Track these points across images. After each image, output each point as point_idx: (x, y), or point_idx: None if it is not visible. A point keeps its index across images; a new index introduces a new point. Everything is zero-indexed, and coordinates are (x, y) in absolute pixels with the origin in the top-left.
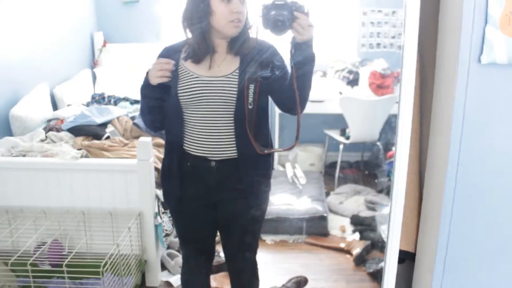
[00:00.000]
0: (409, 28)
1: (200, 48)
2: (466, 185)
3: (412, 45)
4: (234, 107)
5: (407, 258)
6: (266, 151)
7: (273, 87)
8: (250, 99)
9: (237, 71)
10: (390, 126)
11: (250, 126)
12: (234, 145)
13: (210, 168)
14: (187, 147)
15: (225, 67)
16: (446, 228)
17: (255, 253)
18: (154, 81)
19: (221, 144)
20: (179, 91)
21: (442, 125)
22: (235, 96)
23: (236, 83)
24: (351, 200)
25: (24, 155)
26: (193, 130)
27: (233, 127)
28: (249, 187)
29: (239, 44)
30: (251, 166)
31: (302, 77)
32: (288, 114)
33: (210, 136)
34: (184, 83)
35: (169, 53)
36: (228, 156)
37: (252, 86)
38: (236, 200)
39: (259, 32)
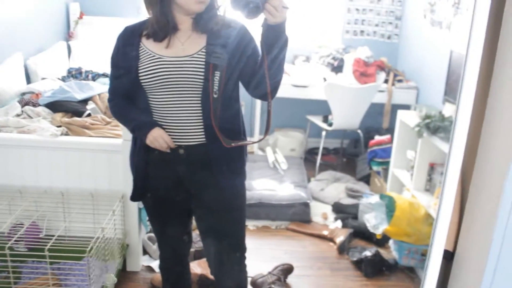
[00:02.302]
0: (476, 29)
1: (159, 25)
2: None
3: (477, 46)
4: (201, 88)
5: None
6: (233, 144)
7: (243, 72)
8: (216, 88)
9: (204, 49)
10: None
11: (215, 117)
12: (203, 130)
13: (179, 156)
14: None
15: (190, 46)
16: (502, 228)
17: (239, 249)
18: (150, 144)
19: (189, 129)
20: (140, 74)
21: (502, 121)
22: (202, 77)
23: (203, 63)
24: (332, 187)
25: None
26: (158, 115)
27: (200, 111)
28: (221, 175)
29: (205, 21)
30: (222, 153)
31: (274, 62)
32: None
33: (177, 121)
34: (144, 64)
35: (129, 32)
36: (197, 141)
37: (217, 74)
38: (209, 188)
39: (227, 14)
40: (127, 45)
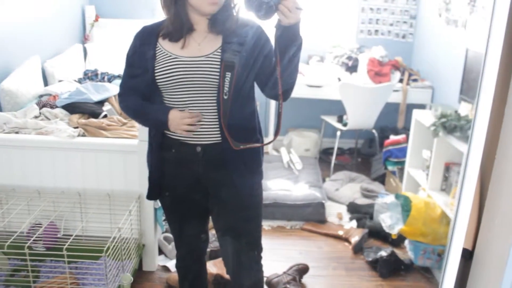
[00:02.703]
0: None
1: (175, 26)
2: None
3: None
4: (217, 88)
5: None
6: (241, 147)
7: (259, 72)
8: (226, 89)
9: (219, 50)
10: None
11: (225, 117)
12: (219, 129)
13: (196, 154)
14: (170, 133)
15: (206, 46)
16: None
17: (255, 248)
18: (177, 131)
19: (205, 127)
20: (157, 73)
21: None
22: (218, 76)
23: (219, 62)
24: (346, 187)
25: (17, 132)
26: None
27: (216, 110)
28: (237, 174)
29: (220, 22)
30: (238, 152)
31: (288, 63)
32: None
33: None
34: (161, 64)
35: (146, 32)
36: (213, 140)
37: (228, 74)
38: (225, 187)
39: (241, 14)
40: (144, 44)
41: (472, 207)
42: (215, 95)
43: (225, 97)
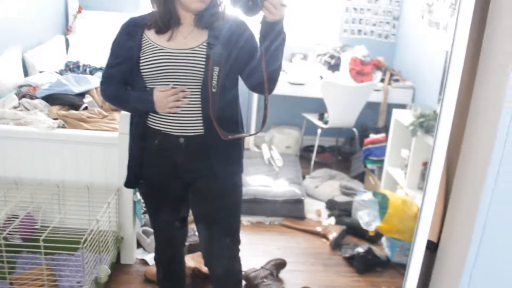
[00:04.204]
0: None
1: (163, 19)
2: (510, 180)
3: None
4: (201, 81)
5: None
6: (230, 137)
7: (243, 67)
8: (214, 82)
9: (205, 43)
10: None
11: (214, 110)
12: (202, 121)
13: (179, 145)
14: (153, 124)
15: (192, 39)
16: (483, 219)
17: (233, 238)
18: (165, 110)
19: (189, 119)
20: (142, 63)
21: (484, 116)
22: (203, 70)
23: (204, 56)
24: (326, 184)
25: None
26: None
27: (199, 102)
28: (218, 165)
29: (206, 17)
30: (220, 144)
31: (272, 58)
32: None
33: (179, 112)
34: (147, 55)
35: (133, 23)
36: (197, 132)
37: (216, 69)
38: (206, 177)
39: (226, 9)
40: (130, 34)
41: (438, 200)
42: (199, 87)
43: (214, 90)
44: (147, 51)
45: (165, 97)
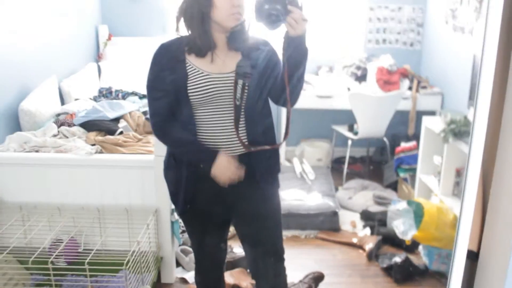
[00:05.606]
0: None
1: (203, 42)
2: None
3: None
4: (249, 102)
5: (468, 257)
6: (252, 149)
7: (271, 87)
8: (238, 95)
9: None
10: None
11: (236, 123)
12: (246, 139)
13: None
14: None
15: (229, 62)
16: None
17: (282, 252)
18: (221, 177)
19: (234, 138)
20: (191, 91)
21: None
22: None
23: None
24: (359, 195)
25: (37, 151)
26: (206, 129)
27: (245, 122)
28: (263, 182)
29: (239, 39)
30: (264, 161)
31: (294, 72)
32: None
33: (223, 133)
34: (195, 80)
35: (170, 50)
36: (241, 151)
37: (240, 82)
38: (252, 196)
39: (252, 25)
40: (170, 62)
41: (476, 208)
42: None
43: (237, 103)
44: (195, 77)
45: (229, 165)
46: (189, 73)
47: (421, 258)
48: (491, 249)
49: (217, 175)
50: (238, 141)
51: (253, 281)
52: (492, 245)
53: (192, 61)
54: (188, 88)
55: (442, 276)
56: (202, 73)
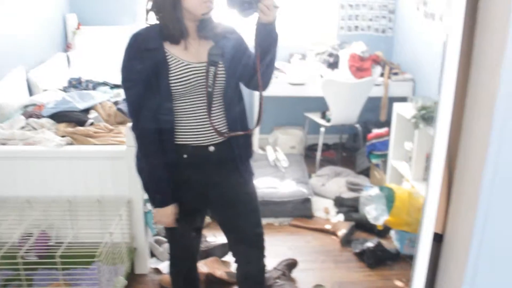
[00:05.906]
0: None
1: (175, 30)
2: (508, 169)
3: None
4: (223, 89)
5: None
6: (226, 135)
7: (242, 73)
8: (210, 82)
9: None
10: (369, 108)
11: (209, 110)
12: (226, 126)
13: (209, 154)
14: (182, 139)
15: (204, 51)
16: (483, 210)
17: (263, 236)
18: (159, 221)
19: (211, 126)
20: (173, 81)
21: (481, 107)
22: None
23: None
24: (332, 181)
25: (4, 144)
26: (184, 119)
27: (223, 109)
28: (242, 165)
29: (208, 27)
30: (243, 147)
31: (265, 57)
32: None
33: (204, 122)
34: (177, 72)
35: (144, 40)
36: (219, 138)
37: (212, 69)
38: (231, 178)
39: (222, 13)
40: (149, 50)
41: (442, 192)
42: (221, 95)
43: (209, 89)
44: (176, 67)
45: (169, 215)
46: (169, 63)
47: (393, 243)
48: (455, 231)
49: (155, 218)
50: (213, 129)
51: (227, 270)
52: (455, 227)
53: (169, 49)
54: (170, 78)
55: (413, 260)
56: (183, 62)
